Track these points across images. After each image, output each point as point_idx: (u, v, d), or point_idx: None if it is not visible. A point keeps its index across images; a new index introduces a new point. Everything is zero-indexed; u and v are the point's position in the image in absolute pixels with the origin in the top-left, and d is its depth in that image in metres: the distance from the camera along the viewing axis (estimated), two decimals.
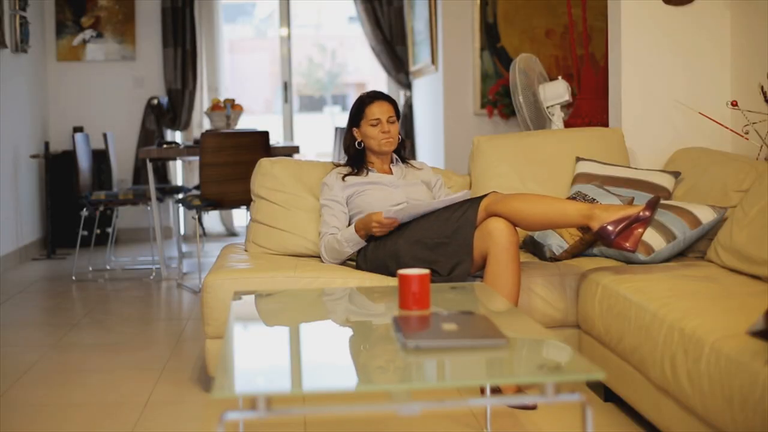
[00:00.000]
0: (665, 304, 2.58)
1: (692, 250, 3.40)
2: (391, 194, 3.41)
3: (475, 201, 3.12)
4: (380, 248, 3.25)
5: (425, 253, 3.12)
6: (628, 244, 2.94)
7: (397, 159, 3.59)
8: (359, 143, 3.51)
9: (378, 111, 3.44)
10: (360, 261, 3.36)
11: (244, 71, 13.38)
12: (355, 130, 3.51)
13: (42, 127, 7.22)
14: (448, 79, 6.63)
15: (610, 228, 2.93)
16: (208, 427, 2.94)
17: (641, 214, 2.93)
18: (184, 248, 6.67)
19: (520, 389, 2.97)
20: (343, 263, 3.42)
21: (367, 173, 3.49)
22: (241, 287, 3.12)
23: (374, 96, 3.49)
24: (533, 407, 2.94)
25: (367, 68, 12.65)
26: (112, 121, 7.43)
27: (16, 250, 6.34)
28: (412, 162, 3.64)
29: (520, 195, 3.08)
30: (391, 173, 3.53)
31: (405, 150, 3.63)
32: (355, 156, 3.54)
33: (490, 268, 3.02)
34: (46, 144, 6.79)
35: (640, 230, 2.95)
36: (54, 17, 7.40)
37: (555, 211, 3.01)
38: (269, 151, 5.33)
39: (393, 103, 3.51)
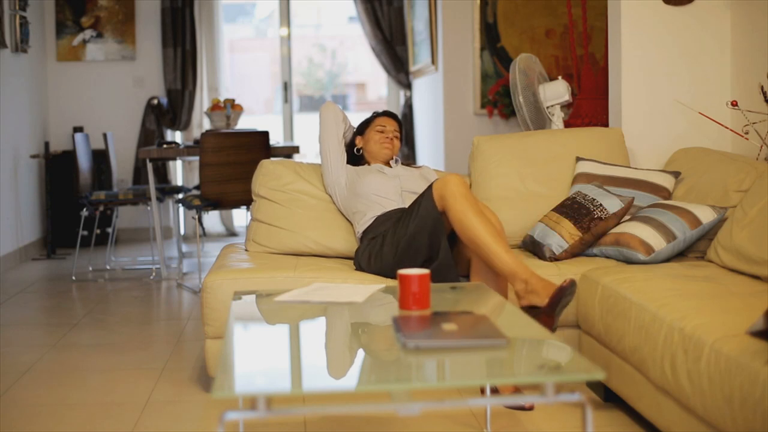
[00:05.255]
0: (665, 304, 2.58)
1: (692, 250, 3.40)
2: (388, 181, 3.49)
3: (426, 192, 3.11)
4: (375, 262, 3.27)
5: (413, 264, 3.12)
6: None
7: (397, 159, 3.70)
8: (358, 149, 3.67)
9: (386, 122, 3.69)
10: (358, 263, 3.36)
11: (244, 71, 13.36)
12: (358, 138, 3.70)
13: (42, 127, 7.22)
14: (448, 79, 6.63)
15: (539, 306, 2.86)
16: (208, 427, 2.94)
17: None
18: (184, 248, 6.67)
19: (517, 389, 2.97)
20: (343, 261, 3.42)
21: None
22: (241, 287, 3.12)
23: (387, 113, 3.75)
24: (530, 408, 2.94)
25: (367, 68, 12.65)
26: (112, 121, 7.43)
27: (16, 250, 6.34)
28: (412, 165, 3.77)
29: (468, 207, 3.00)
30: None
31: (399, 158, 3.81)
32: (352, 161, 3.68)
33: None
34: (46, 144, 6.79)
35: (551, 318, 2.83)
36: (54, 17, 7.40)
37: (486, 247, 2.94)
38: (269, 151, 5.33)
39: (401, 125, 3.75)
